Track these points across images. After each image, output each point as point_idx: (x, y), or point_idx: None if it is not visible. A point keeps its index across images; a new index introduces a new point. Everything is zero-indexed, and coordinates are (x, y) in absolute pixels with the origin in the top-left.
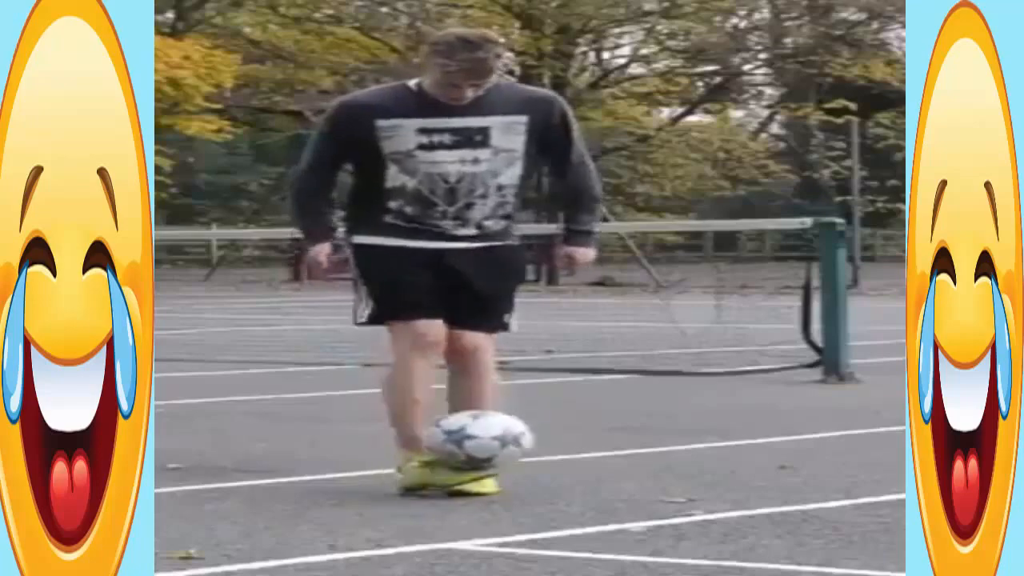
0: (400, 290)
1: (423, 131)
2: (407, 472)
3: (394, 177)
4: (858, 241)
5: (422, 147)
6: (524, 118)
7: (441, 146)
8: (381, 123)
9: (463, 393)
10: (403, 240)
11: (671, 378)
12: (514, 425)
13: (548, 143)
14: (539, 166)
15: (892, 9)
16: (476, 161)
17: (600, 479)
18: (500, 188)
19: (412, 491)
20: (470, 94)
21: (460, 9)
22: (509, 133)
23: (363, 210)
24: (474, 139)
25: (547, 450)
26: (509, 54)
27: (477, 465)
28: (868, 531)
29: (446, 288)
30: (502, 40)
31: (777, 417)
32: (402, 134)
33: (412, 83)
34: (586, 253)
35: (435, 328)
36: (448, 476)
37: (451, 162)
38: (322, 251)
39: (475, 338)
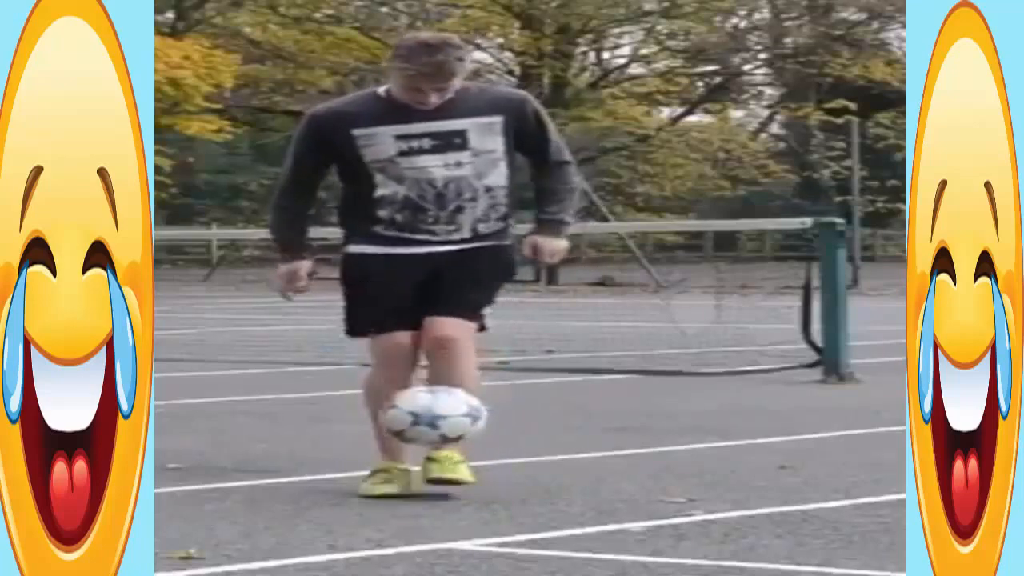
0: (379, 303)
1: (400, 137)
2: (373, 482)
3: (383, 185)
4: (858, 241)
5: (402, 153)
6: (499, 118)
7: (422, 151)
8: (357, 132)
9: (439, 383)
10: (392, 248)
11: (671, 378)
12: (472, 399)
13: (524, 142)
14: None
15: (892, 9)
16: (459, 164)
17: (600, 479)
18: (489, 190)
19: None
20: (434, 98)
21: (460, 9)
22: (486, 134)
23: (354, 220)
24: (453, 142)
25: (547, 450)
26: (508, 54)
27: (447, 441)
28: (868, 531)
29: (428, 289)
30: (465, 43)
31: (777, 417)
32: (380, 141)
33: (381, 90)
34: (554, 243)
35: (410, 340)
36: (405, 484)
37: (435, 166)
38: (302, 268)
39: (447, 324)
